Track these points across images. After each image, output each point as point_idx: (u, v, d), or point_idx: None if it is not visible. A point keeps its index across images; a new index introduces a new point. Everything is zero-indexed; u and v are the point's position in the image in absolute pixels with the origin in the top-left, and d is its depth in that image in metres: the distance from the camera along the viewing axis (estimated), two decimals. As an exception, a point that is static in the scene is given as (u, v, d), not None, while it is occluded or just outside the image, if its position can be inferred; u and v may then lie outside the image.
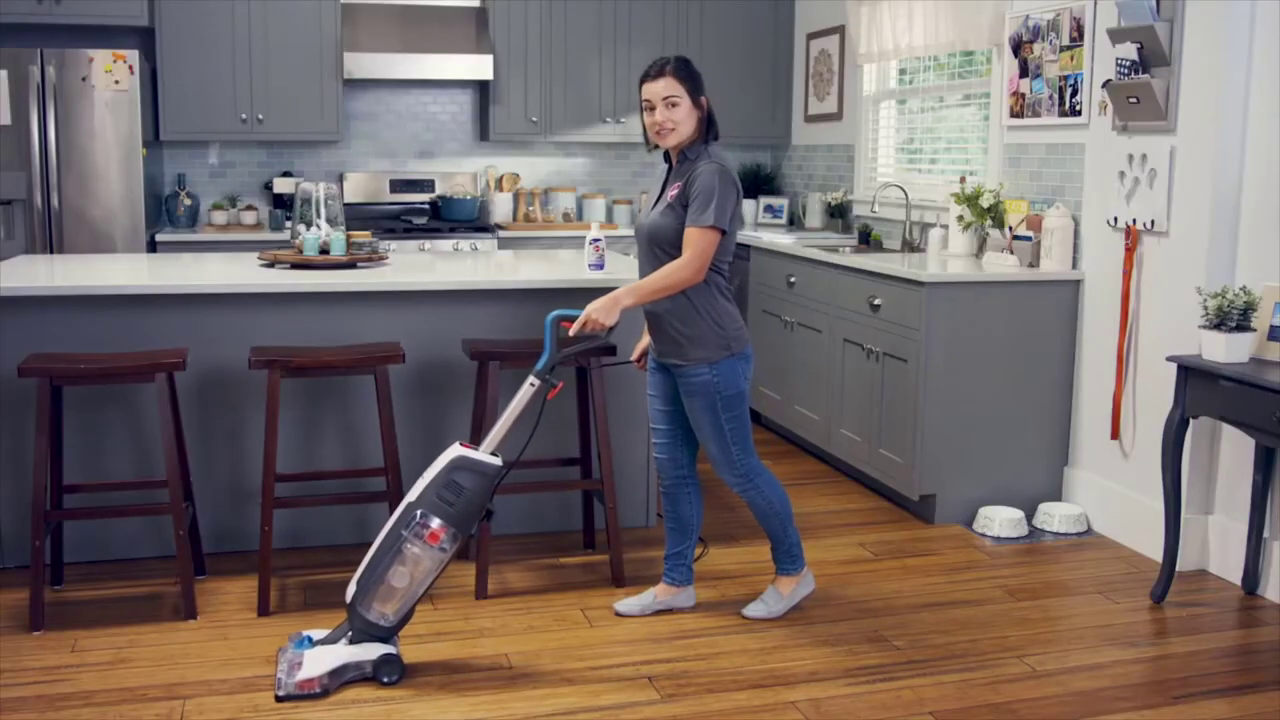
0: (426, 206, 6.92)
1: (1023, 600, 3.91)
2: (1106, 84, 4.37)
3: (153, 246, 6.05)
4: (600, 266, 4.42)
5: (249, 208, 6.58)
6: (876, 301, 4.86)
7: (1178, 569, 3.98)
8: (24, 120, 5.70)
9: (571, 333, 3.41)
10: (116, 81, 5.75)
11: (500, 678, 3.28)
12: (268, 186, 6.70)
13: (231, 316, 4.12)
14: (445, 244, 6.37)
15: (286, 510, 4.18)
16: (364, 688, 3.20)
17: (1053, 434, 4.76)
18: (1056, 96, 4.76)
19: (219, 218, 6.50)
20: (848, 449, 5.18)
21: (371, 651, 3.23)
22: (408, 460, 4.24)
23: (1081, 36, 4.60)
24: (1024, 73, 4.95)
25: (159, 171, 6.47)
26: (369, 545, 4.29)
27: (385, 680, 3.21)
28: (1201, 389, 3.77)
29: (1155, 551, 4.19)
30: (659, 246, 3.46)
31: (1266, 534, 3.96)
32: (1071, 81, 4.66)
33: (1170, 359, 3.89)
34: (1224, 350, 3.71)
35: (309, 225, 4.59)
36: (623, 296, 3.36)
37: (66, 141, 5.75)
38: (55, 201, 5.76)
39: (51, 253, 5.76)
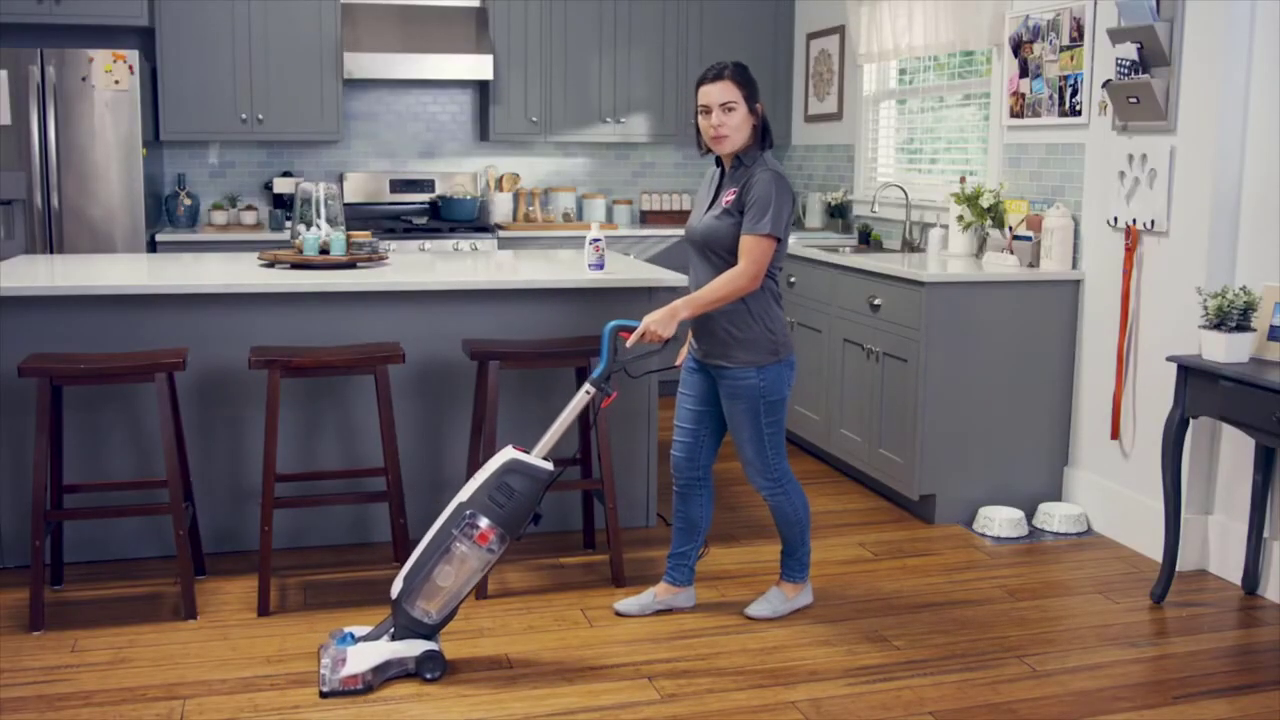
0: (426, 206, 6.92)
1: (1023, 600, 3.91)
2: (1106, 84, 4.37)
3: (153, 246, 6.05)
4: (600, 266, 4.42)
5: (249, 208, 6.58)
6: (876, 301, 4.86)
7: (1178, 569, 3.98)
8: (24, 120, 5.70)
9: (629, 344, 3.43)
10: (116, 81, 5.75)
11: (500, 678, 3.28)
12: (268, 186, 6.70)
13: (231, 316, 4.12)
14: (445, 244, 6.38)
15: (286, 510, 4.18)
16: (364, 688, 3.20)
17: (1053, 434, 4.76)
18: (1056, 96, 4.76)
19: (219, 218, 6.51)
20: (848, 449, 5.18)
21: (414, 648, 3.25)
22: (408, 460, 4.24)
23: (1081, 36, 4.60)
24: (1024, 73, 4.95)
25: (159, 171, 6.47)
26: (369, 545, 4.32)
27: (428, 676, 3.23)
28: (1201, 389, 3.77)
29: (1155, 551, 4.19)
30: (713, 251, 3.46)
31: (1266, 534, 3.96)
32: (1071, 81, 4.66)
33: (1170, 359, 3.89)
34: (1224, 350, 3.71)
35: (309, 225, 4.59)
36: (680, 308, 3.38)
37: (66, 141, 5.75)
38: (55, 201, 5.76)
39: (51, 253, 5.76)
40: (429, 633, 3.29)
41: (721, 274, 3.40)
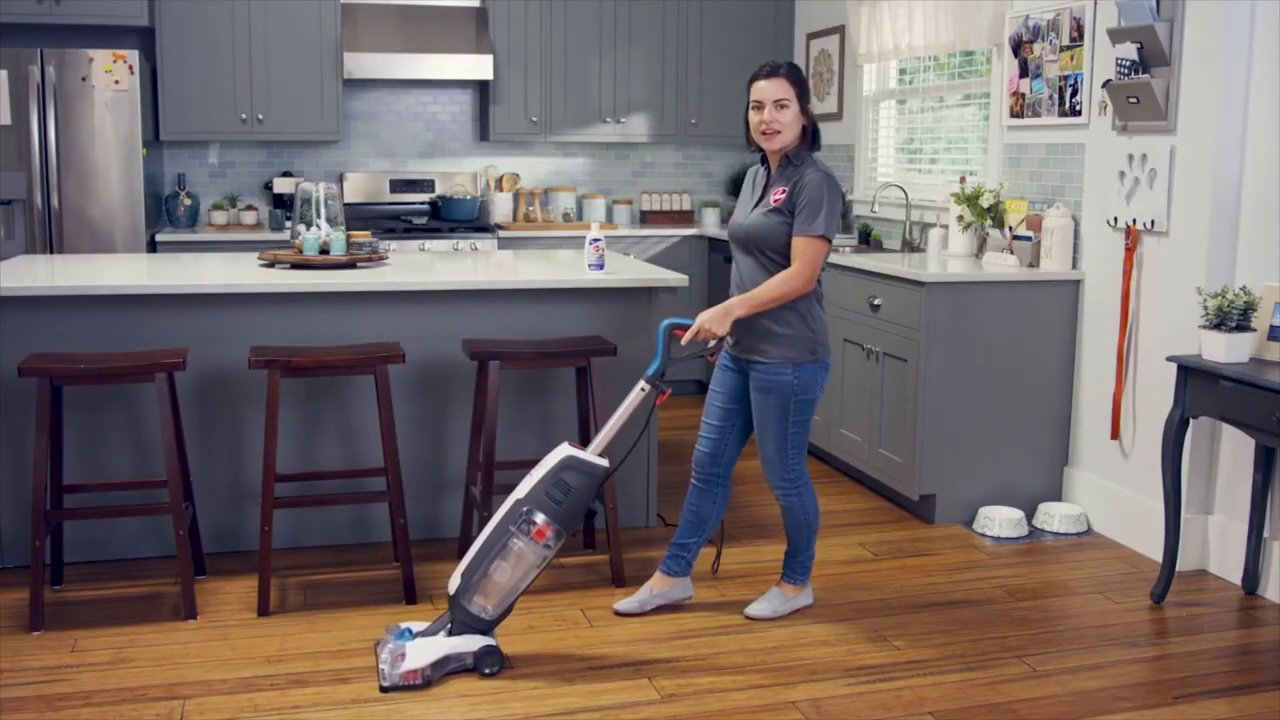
0: (426, 206, 6.92)
1: (1023, 600, 3.91)
2: (1106, 84, 4.37)
3: (153, 246, 6.05)
4: (600, 266, 4.42)
5: (249, 208, 6.58)
6: (876, 301, 4.86)
7: (1178, 569, 3.98)
8: (24, 120, 5.70)
9: (684, 342, 3.47)
10: (116, 81, 5.75)
11: (500, 678, 3.28)
12: (268, 186, 6.70)
13: (231, 316, 4.12)
14: (445, 244, 6.37)
15: (286, 510, 4.18)
16: (361, 685, 3.20)
17: (1053, 434, 4.76)
18: (1056, 96, 4.76)
19: (219, 218, 6.51)
20: (848, 449, 5.18)
21: (472, 643, 3.28)
22: (407, 460, 4.24)
23: (1081, 36, 4.60)
24: (1024, 73, 4.95)
25: (159, 171, 6.47)
26: (369, 545, 4.32)
27: (487, 671, 3.27)
28: (1201, 389, 3.77)
29: (1155, 551, 4.19)
30: (759, 249, 3.50)
31: (1266, 534, 3.96)
32: (1071, 81, 4.66)
33: (1170, 359, 3.88)
34: (1224, 350, 3.71)
35: (309, 225, 4.59)
36: (735, 307, 3.43)
37: (66, 141, 5.75)
38: (55, 201, 5.76)
39: (51, 253, 5.76)
40: (486, 628, 3.32)
41: (775, 274, 3.44)
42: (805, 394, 3.51)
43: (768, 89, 3.45)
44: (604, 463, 3.36)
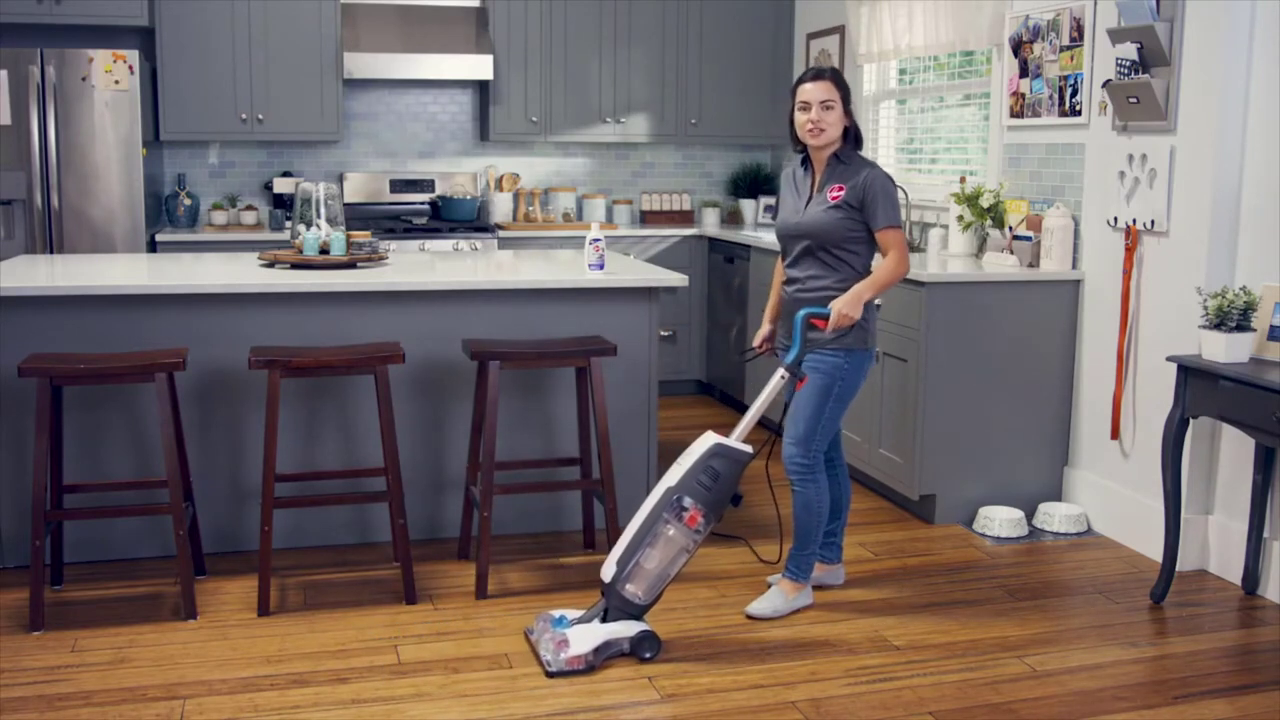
0: (426, 206, 6.92)
1: (1023, 600, 3.91)
2: (1106, 84, 4.37)
3: (153, 246, 6.05)
4: (600, 266, 4.42)
5: (249, 208, 6.58)
6: (876, 301, 4.84)
7: (1178, 569, 3.98)
8: (24, 120, 5.69)
9: (828, 330, 3.62)
10: (116, 81, 5.75)
11: (500, 678, 3.28)
12: (268, 186, 6.70)
13: (231, 316, 4.12)
14: (445, 244, 6.37)
15: (286, 510, 4.18)
16: (361, 685, 3.20)
17: (1053, 434, 4.76)
18: (1056, 96, 4.76)
19: (219, 218, 6.51)
20: (848, 449, 5.17)
21: (630, 629, 3.37)
22: (407, 460, 4.24)
23: (1081, 36, 4.60)
24: (1024, 73, 4.95)
25: (159, 171, 6.47)
26: (369, 545, 4.32)
27: (646, 656, 3.37)
28: (1201, 389, 3.77)
29: (1155, 551, 4.19)
30: (820, 245, 3.67)
31: (1266, 534, 3.96)
32: (1071, 81, 4.66)
33: (1170, 359, 3.89)
34: (1224, 350, 3.71)
35: (309, 225, 4.59)
36: (863, 291, 3.62)
37: (66, 141, 5.75)
38: (55, 201, 5.76)
39: (51, 253, 5.76)
40: (639, 614, 3.40)
41: (833, 267, 3.66)
42: (850, 380, 3.66)
43: (814, 90, 3.64)
44: (748, 449, 3.46)
